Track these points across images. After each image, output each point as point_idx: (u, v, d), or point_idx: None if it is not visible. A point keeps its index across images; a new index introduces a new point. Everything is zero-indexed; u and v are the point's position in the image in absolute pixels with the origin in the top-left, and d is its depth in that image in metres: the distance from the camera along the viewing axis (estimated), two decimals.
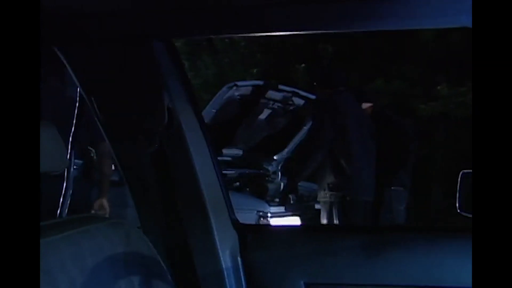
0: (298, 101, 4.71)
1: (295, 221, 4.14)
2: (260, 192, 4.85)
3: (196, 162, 1.43)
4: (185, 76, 1.43)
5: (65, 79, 3.04)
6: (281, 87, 4.65)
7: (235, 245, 1.50)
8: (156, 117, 1.37)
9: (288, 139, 4.92)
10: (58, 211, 1.51)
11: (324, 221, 3.63)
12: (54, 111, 2.01)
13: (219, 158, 1.53)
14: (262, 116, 4.76)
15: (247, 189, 4.88)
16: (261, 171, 5.07)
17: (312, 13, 1.17)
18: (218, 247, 1.46)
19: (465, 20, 1.04)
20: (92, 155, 3.13)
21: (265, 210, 4.10)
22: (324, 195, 3.65)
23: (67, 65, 1.34)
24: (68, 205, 1.53)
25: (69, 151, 1.51)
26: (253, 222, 3.93)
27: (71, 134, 1.50)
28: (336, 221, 3.56)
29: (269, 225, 3.81)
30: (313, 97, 4.56)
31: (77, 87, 1.40)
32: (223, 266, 1.46)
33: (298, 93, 4.66)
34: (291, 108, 4.74)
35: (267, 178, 5.04)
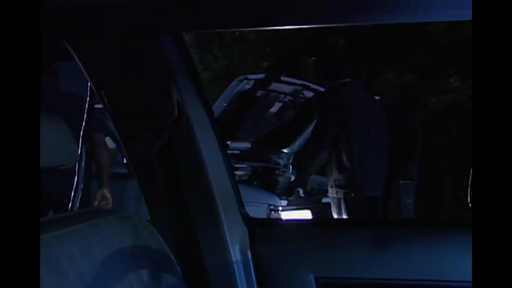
0: (309, 94, 4.69)
1: (306, 214, 4.13)
2: (271, 185, 4.85)
3: (205, 156, 1.43)
4: (194, 70, 1.43)
5: (58, 75, 3.08)
6: (291, 80, 4.64)
7: (244, 239, 1.50)
8: (165, 112, 1.37)
9: (299, 132, 4.91)
10: (69, 205, 1.52)
11: (334, 216, 3.62)
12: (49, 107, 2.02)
13: (228, 151, 1.53)
14: (273, 109, 4.75)
15: (257, 182, 4.88)
16: (272, 164, 5.07)
17: (315, 7, 1.16)
18: (228, 241, 1.46)
19: (466, 13, 1.03)
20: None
21: (276, 204, 4.09)
22: (332, 191, 3.64)
23: (77, 60, 1.34)
24: (79, 199, 1.54)
25: (79, 145, 1.51)
26: (264, 216, 3.93)
27: (82, 128, 1.50)
28: (345, 216, 3.55)
29: (279, 219, 3.80)
30: (323, 90, 4.54)
31: (87, 81, 1.40)
32: (233, 260, 1.46)
33: (308, 86, 4.64)
34: (302, 101, 4.72)
35: (277, 172, 5.04)
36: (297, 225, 1.74)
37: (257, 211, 3.85)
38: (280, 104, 4.73)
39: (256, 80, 4.43)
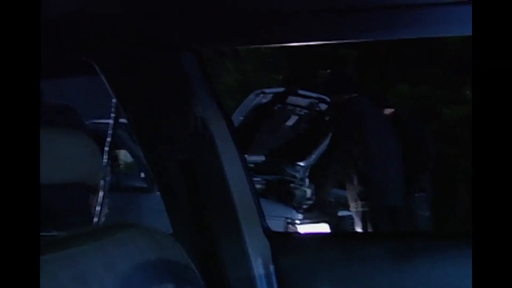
0: (325, 107, 4.71)
1: (323, 228, 4.12)
2: (286, 199, 4.85)
3: (227, 169, 1.44)
4: (212, 84, 1.45)
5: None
6: (307, 93, 4.66)
7: (266, 252, 1.50)
8: (187, 126, 1.38)
9: (315, 145, 4.91)
10: (95, 220, 1.53)
11: (357, 229, 3.61)
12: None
13: None
14: (289, 122, 4.77)
15: (273, 195, 4.88)
16: (287, 177, 5.08)
17: (322, 24, 1.18)
18: (250, 254, 1.46)
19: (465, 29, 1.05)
20: None
21: (293, 217, 4.09)
22: (355, 204, 3.63)
23: (101, 75, 1.37)
24: (105, 213, 1.55)
25: (105, 160, 1.54)
26: (281, 229, 3.93)
27: (108, 143, 1.52)
28: (367, 229, 3.53)
29: (299, 232, 3.80)
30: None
31: (111, 97, 1.43)
32: (255, 273, 1.46)
33: (324, 99, 4.66)
34: (318, 114, 4.74)
35: (294, 185, 5.04)
36: (318, 238, 1.74)
37: (274, 224, 3.83)
38: (296, 117, 4.75)
39: (272, 93, 4.46)
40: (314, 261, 1.50)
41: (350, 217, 4.03)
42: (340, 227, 4.18)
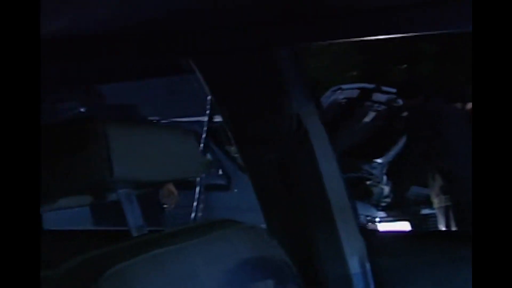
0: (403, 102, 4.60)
1: (404, 226, 4.03)
2: (364, 196, 4.78)
3: (322, 167, 1.43)
4: (309, 82, 1.44)
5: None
6: (385, 89, 4.57)
7: (362, 250, 1.48)
8: (283, 124, 1.39)
9: (393, 141, 4.82)
10: (193, 215, 1.56)
11: (442, 226, 3.52)
12: None
13: None
14: (367, 119, 4.70)
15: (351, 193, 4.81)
16: (365, 175, 5.00)
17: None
18: (346, 252, 1.45)
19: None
20: None
21: (373, 215, 4.03)
22: (437, 200, 3.54)
23: (199, 75, 1.39)
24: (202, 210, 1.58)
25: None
26: None
27: (202, 140, 1.55)
28: (451, 227, 3.43)
29: (395, 231, 3.73)
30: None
31: (207, 96, 1.45)
32: (352, 272, 1.45)
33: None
34: (396, 110, 4.64)
35: (370, 182, 4.97)
36: (414, 236, 1.69)
37: None
38: (374, 113, 4.67)
39: (350, 90, 4.41)
40: (411, 260, 1.47)
41: (432, 215, 3.92)
42: (422, 226, 4.07)
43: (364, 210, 4.12)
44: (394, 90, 4.57)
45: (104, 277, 0.80)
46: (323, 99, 4.39)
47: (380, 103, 4.60)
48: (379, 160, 5.00)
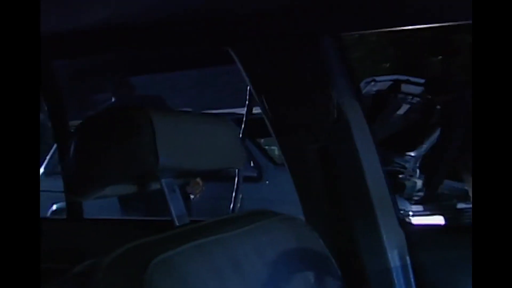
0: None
1: (438, 220, 3.97)
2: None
3: (363, 158, 1.41)
4: (352, 71, 1.42)
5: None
6: (419, 81, 4.50)
7: (402, 244, 1.46)
8: (324, 113, 1.37)
9: (426, 135, 4.74)
10: (231, 206, 1.56)
11: None
12: None
13: None
14: (400, 111, 4.64)
15: None
16: (397, 168, 4.94)
17: None
18: (386, 245, 1.43)
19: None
20: None
21: (406, 209, 3.98)
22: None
23: (239, 64, 1.38)
24: (240, 200, 1.58)
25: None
26: None
27: (241, 131, 1.55)
28: None
29: (435, 224, 3.69)
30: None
31: (247, 85, 1.44)
32: (392, 265, 1.42)
33: None
34: (430, 102, 4.56)
35: (403, 176, 4.90)
36: (455, 230, 1.66)
37: None
38: (408, 106, 4.60)
39: (384, 82, 4.35)
40: (451, 254, 1.44)
41: (467, 210, 3.85)
42: (456, 220, 4.00)
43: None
44: (424, 87, 4.49)
45: (152, 265, 0.80)
46: None
47: (414, 95, 4.53)
48: (412, 153, 4.93)
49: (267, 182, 4.57)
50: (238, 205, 1.57)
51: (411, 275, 1.44)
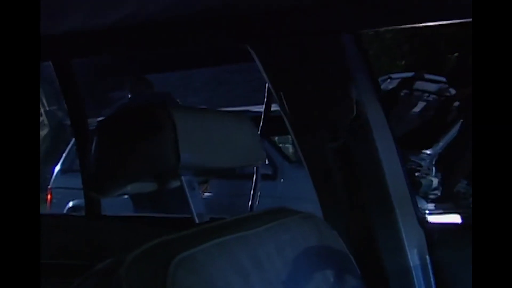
0: (454, 92, 4.48)
1: (455, 219, 3.94)
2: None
3: (382, 156, 1.40)
4: (371, 69, 1.41)
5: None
6: (436, 78, 4.46)
7: (422, 243, 1.45)
8: (343, 111, 1.36)
9: (443, 132, 4.70)
10: (249, 204, 1.56)
11: None
12: None
13: None
14: (416, 108, 4.60)
15: None
16: (413, 166, 4.91)
17: None
18: (405, 244, 1.42)
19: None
20: None
21: (423, 207, 3.95)
22: None
23: (257, 62, 1.38)
24: (258, 198, 1.58)
25: None
26: None
27: (260, 128, 1.54)
28: None
29: (455, 223, 3.66)
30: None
31: (265, 82, 1.43)
32: (411, 264, 1.41)
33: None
34: (447, 100, 4.52)
35: (419, 174, 4.87)
36: (469, 229, 1.64)
37: None
38: (424, 103, 4.57)
39: (400, 79, 4.32)
40: (469, 253, 1.43)
41: None
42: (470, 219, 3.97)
43: None
44: (445, 80, 4.45)
45: (175, 263, 0.80)
46: None
47: (430, 92, 4.50)
48: (428, 151, 4.89)
49: (282, 180, 4.57)
50: (257, 202, 1.57)
51: (431, 274, 1.43)
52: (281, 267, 1.08)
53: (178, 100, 4.12)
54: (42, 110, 8.55)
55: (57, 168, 5.46)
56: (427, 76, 4.49)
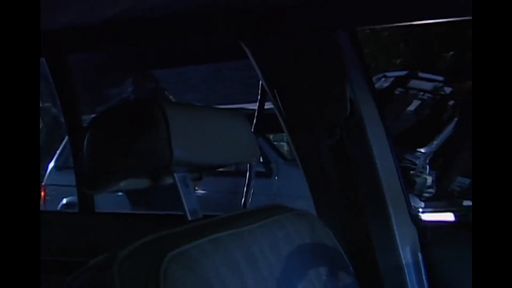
0: (449, 91, 4.49)
1: (448, 217, 3.96)
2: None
3: (377, 155, 1.40)
4: (366, 66, 1.41)
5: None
6: (431, 76, 4.47)
7: (415, 241, 1.45)
8: (337, 109, 1.36)
9: (437, 131, 4.71)
10: (242, 201, 1.56)
11: None
12: None
13: None
14: (411, 107, 4.61)
15: None
16: (407, 164, 4.92)
17: None
18: (398, 242, 1.42)
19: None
20: None
21: (416, 205, 3.96)
22: None
23: (251, 59, 1.37)
24: (251, 195, 1.58)
25: None
26: None
27: (253, 126, 1.54)
28: None
29: (448, 221, 3.68)
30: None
31: (259, 80, 1.43)
32: (403, 262, 1.42)
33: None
34: (442, 98, 4.53)
35: (413, 172, 4.88)
36: (468, 227, 1.65)
37: None
38: (419, 102, 4.58)
39: (394, 77, 4.32)
40: (464, 251, 1.43)
41: None
42: (467, 218, 3.99)
43: None
44: (440, 78, 4.46)
45: (168, 258, 0.81)
46: None
47: (425, 91, 4.50)
48: (422, 150, 4.90)
49: (276, 178, 4.57)
50: (250, 200, 1.57)
51: (423, 272, 1.43)
52: (274, 264, 1.08)
53: (171, 97, 4.12)
54: None
55: (51, 165, 5.44)
56: (421, 74, 4.50)
